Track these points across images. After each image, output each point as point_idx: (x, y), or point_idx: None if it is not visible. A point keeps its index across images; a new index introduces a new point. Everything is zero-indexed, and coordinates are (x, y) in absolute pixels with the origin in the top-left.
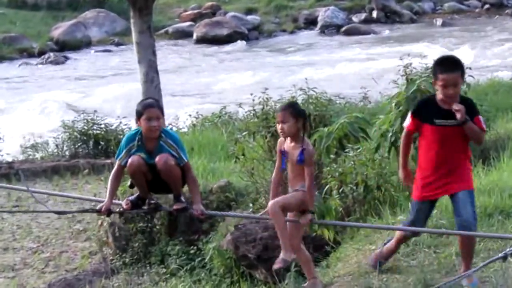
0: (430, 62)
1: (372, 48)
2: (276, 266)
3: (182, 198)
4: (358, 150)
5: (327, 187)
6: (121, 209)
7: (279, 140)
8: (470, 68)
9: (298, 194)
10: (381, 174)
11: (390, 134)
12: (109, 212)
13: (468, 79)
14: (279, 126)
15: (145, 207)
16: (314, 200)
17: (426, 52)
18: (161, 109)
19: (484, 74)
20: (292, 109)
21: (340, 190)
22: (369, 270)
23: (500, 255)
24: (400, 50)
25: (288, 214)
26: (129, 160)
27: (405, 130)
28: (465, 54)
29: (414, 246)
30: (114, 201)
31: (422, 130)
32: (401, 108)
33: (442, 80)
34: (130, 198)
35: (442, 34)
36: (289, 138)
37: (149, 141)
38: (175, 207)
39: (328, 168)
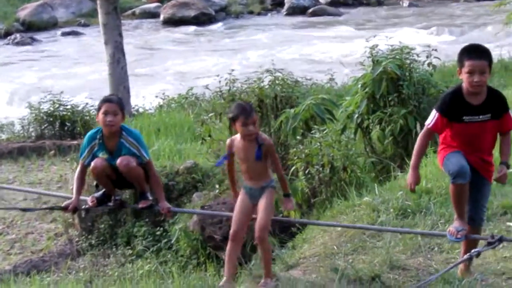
0: (396, 44)
1: (339, 30)
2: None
3: (148, 195)
4: (324, 132)
5: (293, 168)
6: (87, 206)
7: (229, 140)
8: (435, 50)
9: (271, 195)
10: (347, 156)
11: (356, 115)
12: (75, 210)
13: (434, 60)
14: (249, 129)
15: (110, 204)
16: (287, 185)
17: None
18: (121, 105)
19: (450, 56)
20: (255, 111)
21: (307, 172)
22: (335, 251)
23: (465, 257)
24: (366, 32)
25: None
26: (92, 164)
27: (427, 129)
28: (431, 35)
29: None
30: (81, 197)
31: (447, 127)
32: (367, 89)
33: (468, 66)
34: (96, 194)
35: (409, 16)
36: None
37: (110, 140)
38: (140, 205)
39: (295, 149)
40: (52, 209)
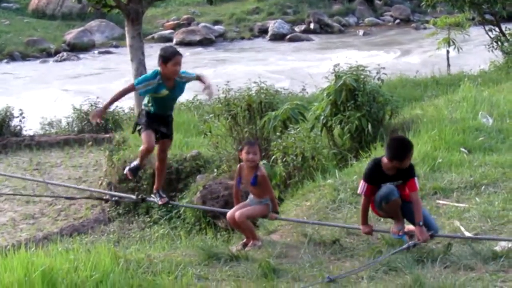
0: (353, 63)
1: (310, 52)
2: (249, 247)
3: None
4: (298, 129)
5: (273, 157)
6: (125, 176)
7: (239, 166)
8: (384, 68)
9: (261, 207)
10: (315, 148)
11: (322, 117)
12: (100, 115)
13: (382, 76)
14: (249, 156)
15: (134, 197)
16: (277, 205)
17: (351, 55)
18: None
19: (394, 73)
20: (258, 145)
21: (284, 160)
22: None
23: (404, 246)
24: (330, 54)
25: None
26: (148, 142)
27: (363, 197)
28: (381, 57)
29: (339, 203)
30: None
31: (373, 192)
32: (330, 97)
33: (394, 163)
34: (131, 166)
35: (363, 42)
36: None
37: (168, 80)
38: (160, 202)
39: (275, 143)
40: (88, 198)
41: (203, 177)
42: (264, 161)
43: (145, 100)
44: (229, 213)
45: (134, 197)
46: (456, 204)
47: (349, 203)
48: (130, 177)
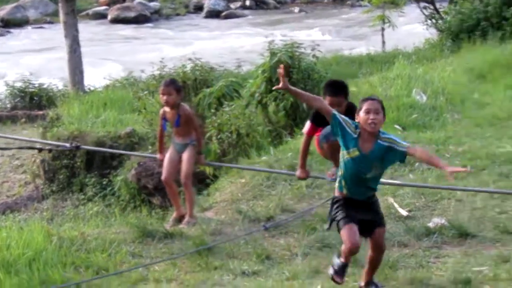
0: (288, 40)
1: (245, 29)
2: (184, 224)
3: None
4: (233, 106)
5: (208, 134)
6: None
7: (162, 110)
8: (318, 45)
9: (190, 153)
10: (250, 125)
11: (257, 94)
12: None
13: (317, 53)
14: (163, 98)
15: (67, 145)
16: (202, 144)
17: (285, 32)
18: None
19: (330, 50)
20: (174, 84)
21: (218, 137)
22: (239, 198)
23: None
24: (266, 31)
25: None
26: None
27: (305, 135)
28: (316, 34)
29: (274, 180)
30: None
31: (315, 131)
32: (265, 74)
33: (329, 100)
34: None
35: (298, 19)
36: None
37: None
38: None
39: (210, 120)
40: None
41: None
42: None
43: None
44: (164, 176)
45: (68, 145)
46: (390, 181)
47: (283, 180)
48: (339, 281)
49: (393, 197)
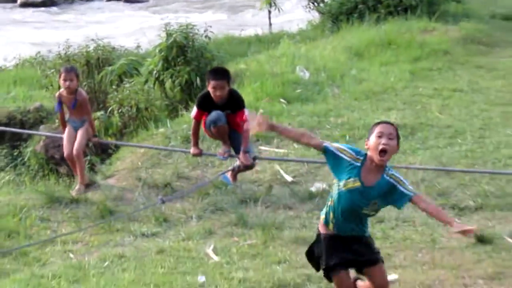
0: (184, 21)
1: (145, 12)
2: (74, 193)
3: None
4: (133, 83)
5: (110, 108)
6: None
7: (59, 93)
8: (211, 26)
9: (84, 130)
10: (148, 100)
11: (155, 72)
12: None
13: (209, 34)
14: (66, 83)
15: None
16: (95, 128)
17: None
18: None
19: (221, 31)
20: (75, 71)
21: (120, 111)
22: (139, 166)
23: (229, 168)
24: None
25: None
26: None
27: (193, 120)
28: (208, 15)
29: (171, 152)
30: None
31: (202, 115)
32: (162, 53)
33: (212, 84)
34: None
35: (194, 1)
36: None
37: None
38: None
39: (111, 95)
40: None
41: (46, 127)
42: (102, 112)
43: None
44: (66, 154)
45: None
46: (276, 150)
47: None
48: None
49: (279, 164)
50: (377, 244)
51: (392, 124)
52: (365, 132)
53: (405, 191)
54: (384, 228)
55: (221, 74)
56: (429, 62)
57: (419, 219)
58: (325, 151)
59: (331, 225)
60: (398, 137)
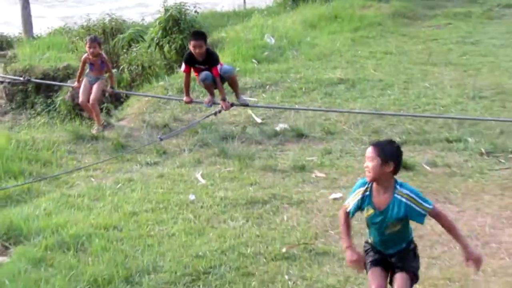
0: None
1: None
2: (94, 132)
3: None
4: (139, 47)
5: (121, 67)
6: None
7: (85, 56)
8: (199, 3)
9: (100, 83)
10: (151, 60)
11: (156, 38)
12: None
13: (198, 9)
14: (90, 50)
15: (21, 79)
16: (114, 81)
17: None
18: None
19: (206, 7)
20: (97, 40)
21: (129, 69)
22: (144, 111)
23: (212, 112)
24: None
25: (97, 85)
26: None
27: (184, 74)
28: None
29: (168, 100)
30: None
31: (191, 69)
32: (162, 24)
33: (192, 44)
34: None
35: None
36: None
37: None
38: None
39: (122, 57)
40: None
41: (73, 81)
42: (115, 70)
43: None
44: (80, 100)
45: (22, 78)
46: (249, 98)
47: (177, 96)
48: None
49: (251, 109)
50: (326, 169)
51: (375, 145)
52: (317, 85)
53: (421, 211)
54: (331, 158)
55: (199, 35)
56: (366, 32)
57: (358, 151)
58: (352, 214)
59: (370, 240)
60: (380, 155)
